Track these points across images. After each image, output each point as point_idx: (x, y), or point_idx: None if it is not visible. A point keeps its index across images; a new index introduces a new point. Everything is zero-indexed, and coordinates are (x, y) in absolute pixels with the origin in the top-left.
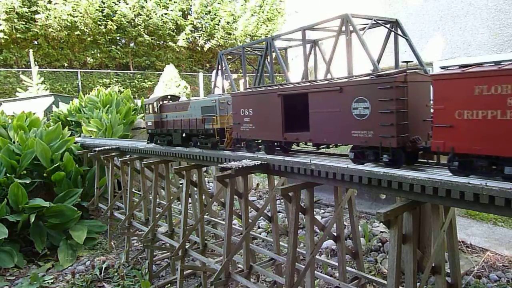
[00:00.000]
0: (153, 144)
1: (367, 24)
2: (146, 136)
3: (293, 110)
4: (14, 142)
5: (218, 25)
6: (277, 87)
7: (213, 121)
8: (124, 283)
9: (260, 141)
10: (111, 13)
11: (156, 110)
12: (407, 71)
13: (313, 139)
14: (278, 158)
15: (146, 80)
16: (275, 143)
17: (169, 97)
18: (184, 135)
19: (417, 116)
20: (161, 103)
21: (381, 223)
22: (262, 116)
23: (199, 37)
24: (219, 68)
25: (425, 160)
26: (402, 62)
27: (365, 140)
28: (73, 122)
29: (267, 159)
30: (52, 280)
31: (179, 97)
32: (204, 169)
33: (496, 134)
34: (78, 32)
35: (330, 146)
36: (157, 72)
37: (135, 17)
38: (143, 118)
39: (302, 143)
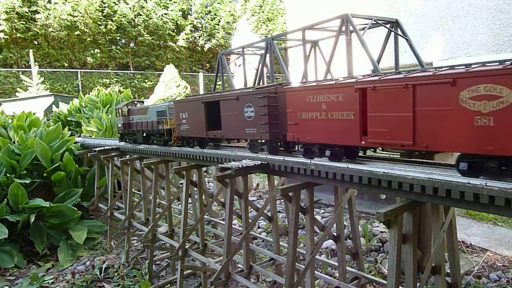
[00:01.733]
0: (124, 142)
1: (367, 24)
2: None
3: (212, 113)
4: (14, 142)
5: (218, 25)
6: (201, 96)
7: (164, 123)
8: (124, 283)
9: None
10: (111, 13)
11: (124, 113)
12: (277, 85)
13: (224, 135)
14: (278, 158)
15: (146, 80)
16: (204, 139)
17: (135, 102)
18: (144, 134)
19: (285, 117)
20: (128, 107)
21: (381, 223)
22: (193, 118)
23: (199, 37)
24: (219, 68)
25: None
26: (278, 83)
27: (252, 135)
28: (73, 122)
29: (267, 159)
30: (52, 280)
31: (143, 102)
32: (204, 169)
33: (318, 128)
34: (78, 32)
35: (241, 140)
36: (157, 72)
37: (135, 17)
38: None
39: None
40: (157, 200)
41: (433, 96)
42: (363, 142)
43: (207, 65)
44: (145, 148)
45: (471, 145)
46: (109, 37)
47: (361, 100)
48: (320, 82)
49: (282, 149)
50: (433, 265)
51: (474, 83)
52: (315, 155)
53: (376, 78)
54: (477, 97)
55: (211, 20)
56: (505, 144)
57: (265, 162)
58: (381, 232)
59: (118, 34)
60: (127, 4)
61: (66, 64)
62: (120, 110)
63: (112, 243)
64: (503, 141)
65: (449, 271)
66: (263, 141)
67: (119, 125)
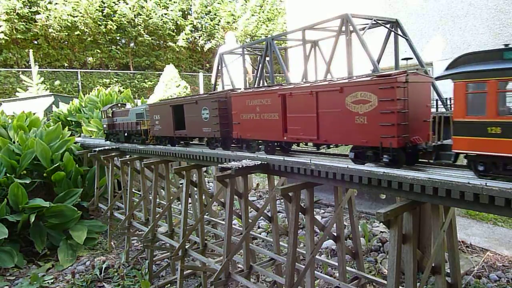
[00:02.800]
0: (109, 141)
1: (367, 24)
2: None
3: (179, 115)
4: (14, 142)
5: (218, 25)
6: (169, 101)
7: (142, 124)
8: (124, 283)
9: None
10: (111, 13)
11: (109, 115)
12: (228, 91)
13: (187, 134)
14: (278, 158)
15: (146, 80)
16: (173, 138)
17: (119, 105)
18: (126, 134)
19: (227, 119)
20: (113, 110)
21: (381, 223)
22: (164, 120)
23: (199, 37)
24: (219, 68)
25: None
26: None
27: (208, 133)
28: (73, 122)
29: (267, 159)
30: (52, 280)
31: (125, 105)
32: (204, 169)
33: (254, 127)
34: (78, 32)
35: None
36: (157, 72)
37: (135, 17)
38: None
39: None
40: (157, 200)
41: (329, 100)
42: (285, 138)
43: (207, 65)
44: (145, 148)
45: (355, 139)
46: (109, 37)
47: (282, 104)
48: (255, 89)
49: (234, 145)
50: (433, 265)
51: (354, 91)
52: (255, 150)
53: (292, 86)
54: (356, 101)
55: (211, 20)
56: (374, 137)
57: (265, 162)
58: (381, 232)
59: (118, 34)
60: (127, 4)
61: (66, 64)
62: (105, 112)
63: (112, 243)
64: (373, 135)
65: (449, 271)
66: (218, 138)
67: (105, 125)
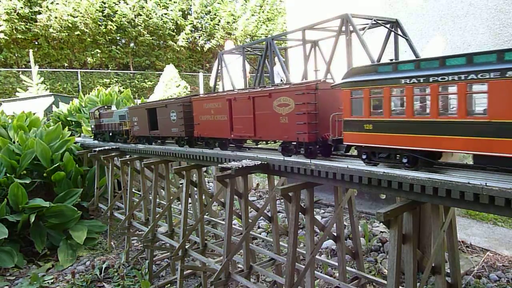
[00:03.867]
0: (96, 141)
1: (367, 24)
2: None
3: (153, 117)
4: (14, 142)
5: (218, 25)
6: (144, 104)
7: (124, 124)
8: (124, 283)
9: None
10: (111, 13)
11: (96, 117)
12: (191, 96)
13: (160, 134)
14: (278, 158)
15: (146, 80)
16: (148, 137)
17: (105, 107)
18: (110, 134)
19: (191, 120)
20: (99, 111)
21: (381, 223)
22: (141, 121)
23: (199, 37)
24: (219, 68)
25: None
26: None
27: (176, 133)
28: (73, 122)
29: (267, 159)
30: (52, 280)
31: (111, 107)
32: (204, 169)
33: (210, 126)
34: (78, 32)
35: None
36: (157, 72)
37: (135, 17)
38: None
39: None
40: (157, 200)
41: (261, 104)
42: (232, 136)
43: (207, 65)
44: (145, 148)
45: (280, 135)
46: (109, 37)
47: (229, 107)
48: (210, 94)
49: (200, 143)
50: (433, 265)
51: (278, 96)
52: (212, 146)
53: (236, 92)
54: (280, 105)
55: (211, 20)
56: (292, 133)
57: (265, 162)
58: (381, 232)
59: (118, 34)
60: (127, 4)
61: (66, 64)
62: (93, 113)
63: (112, 243)
64: (292, 132)
65: (449, 271)
66: (184, 137)
67: (92, 126)
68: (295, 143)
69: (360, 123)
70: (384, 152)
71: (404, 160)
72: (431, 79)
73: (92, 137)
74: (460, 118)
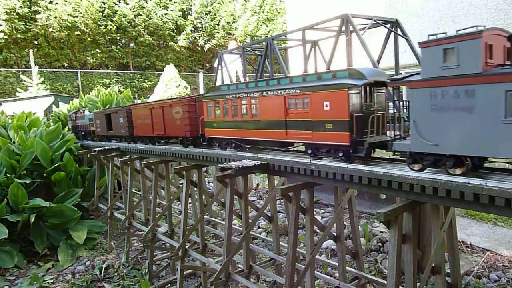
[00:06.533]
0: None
1: (367, 24)
2: None
3: (109, 121)
4: (14, 142)
5: (218, 25)
6: (104, 110)
7: (91, 125)
8: (124, 283)
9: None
10: (111, 13)
11: (73, 119)
12: (130, 106)
13: (114, 133)
14: (278, 158)
15: (146, 80)
16: (106, 136)
17: (80, 111)
18: (83, 133)
19: (132, 123)
20: (76, 115)
21: (381, 223)
22: (102, 123)
23: (199, 37)
24: (219, 68)
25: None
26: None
27: (123, 133)
28: None
29: (267, 159)
30: (52, 280)
31: (84, 111)
32: (204, 169)
33: (143, 127)
34: (78, 32)
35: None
36: (157, 72)
37: (135, 17)
38: None
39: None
40: (157, 200)
41: (167, 112)
42: (154, 134)
43: (207, 65)
44: (145, 148)
45: (178, 133)
46: (109, 37)
47: (151, 113)
48: (140, 104)
49: (137, 140)
50: (433, 265)
51: (175, 105)
52: (146, 143)
53: (152, 103)
54: (176, 112)
55: (211, 20)
56: (183, 132)
57: (265, 162)
58: (381, 232)
59: (118, 34)
60: (127, 4)
61: (66, 64)
62: (70, 116)
63: (112, 243)
64: (182, 131)
65: (449, 271)
66: (128, 136)
67: (70, 126)
68: (185, 138)
69: (211, 123)
70: (224, 140)
71: (233, 145)
72: (238, 95)
73: None
74: (249, 119)
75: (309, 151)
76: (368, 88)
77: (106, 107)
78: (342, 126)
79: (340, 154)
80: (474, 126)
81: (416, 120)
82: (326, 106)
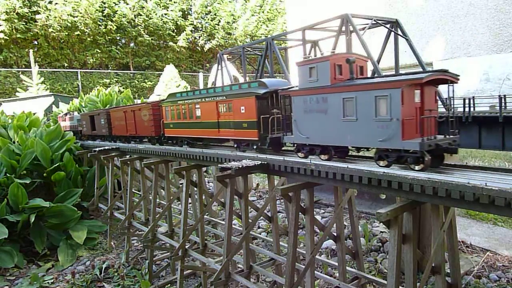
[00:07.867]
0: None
1: (367, 24)
2: None
3: (92, 122)
4: (14, 142)
5: (218, 25)
6: (89, 112)
7: (79, 126)
8: (124, 283)
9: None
10: (111, 13)
11: (64, 120)
12: (113, 107)
13: (97, 133)
14: (278, 158)
15: (146, 80)
16: (91, 135)
17: (71, 112)
18: (73, 133)
19: (111, 124)
20: (66, 116)
21: (381, 223)
22: (87, 124)
23: (199, 37)
24: (219, 68)
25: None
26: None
27: (104, 132)
28: None
29: (267, 159)
30: (52, 280)
31: (73, 113)
32: (204, 169)
33: (121, 128)
34: (78, 32)
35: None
36: (157, 72)
37: (135, 17)
38: None
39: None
40: (157, 200)
41: (137, 114)
42: (128, 134)
43: (207, 65)
44: (145, 148)
45: (146, 132)
46: (109, 37)
47: (125, 116)
48: (117, 107)
49: (115, 140)
50: (433, 265)
51: (143, 109)
52: (122, 141)
53: (126, 107)
54: (144, 114)
55: (211, 20)
56: (149, 131)
57: (265, 162)
58: (381, 232)
59: (118, 34)
60: (127, 4)
61: (66, 64)
62: (61, 117)
63: (112, 243)
64: (149, 130)
65: (449, 271)
66: (108, 135)
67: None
68: (151, 137)
69: (169, 124)
70: (178, 139)
71: (185, 143)
72: (187, 101)
73: None
74: (195, 120)
75: (235, 145)
76: (270, 95)
77: (106, 107)
78: (252, 125)
79: (254, 147)
80: (328, 123)
81: (296, 120)
82: (243, 109)
